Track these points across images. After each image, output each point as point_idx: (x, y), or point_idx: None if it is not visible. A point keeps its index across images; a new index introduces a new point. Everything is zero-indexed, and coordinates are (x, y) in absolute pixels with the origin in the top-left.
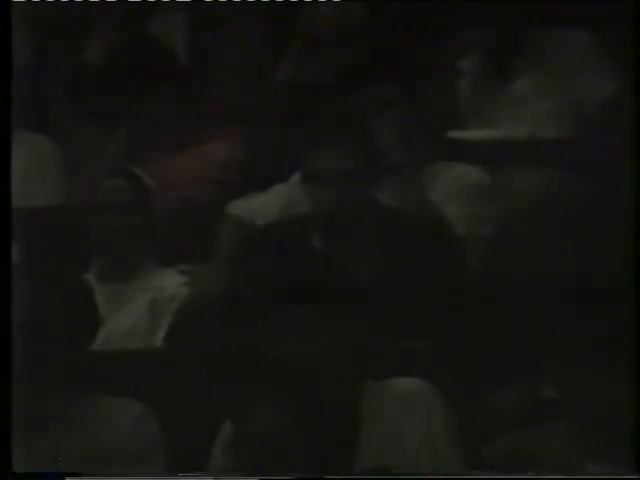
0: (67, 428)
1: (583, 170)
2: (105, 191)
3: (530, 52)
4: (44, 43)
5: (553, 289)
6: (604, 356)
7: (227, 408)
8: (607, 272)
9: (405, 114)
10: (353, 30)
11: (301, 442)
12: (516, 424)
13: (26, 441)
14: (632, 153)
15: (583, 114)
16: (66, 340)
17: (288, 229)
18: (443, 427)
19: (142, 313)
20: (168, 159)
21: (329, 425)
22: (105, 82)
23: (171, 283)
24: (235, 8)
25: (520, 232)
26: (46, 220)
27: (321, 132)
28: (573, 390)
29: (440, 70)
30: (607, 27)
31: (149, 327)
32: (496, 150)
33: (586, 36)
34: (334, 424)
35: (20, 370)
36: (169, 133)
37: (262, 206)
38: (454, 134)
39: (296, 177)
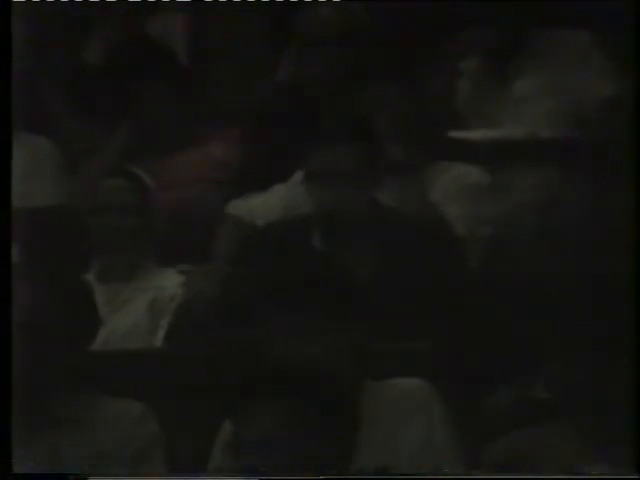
0: (67, 428)
1: (583, 170)
2: (105, 191)
3: (530, 52)
4: (44, 43)
5: (553, 289)
6: (604, 356)
7: (227, 408)
8: (607, 272)
9: (405, 114)
10: (353, 30)
11: (301, 442)
12: (516, 424)
13: (26, 441)
14: (631, 153)
15: (583, 114)
16: (66, 340)
17: (288, 229)
18: (443, 427)
19: (142, 313)
20: (168, 159)
21: (329, 425)
22: (105, 82)
23: (171, 283)
24: (235, 8)
25: (520, 232)
26: (46, 220)
27: (321, 132)
28: (573, 390)
29: (440, 70)
30: (607, 27)
31: (149, 327)
32: (496, 150)
33: (586, 36)
34: (334, 424)
35: (20, 370)
36: (169, 133)
37: (262, 206)
38: (454, 134)
39: (296, 177)
